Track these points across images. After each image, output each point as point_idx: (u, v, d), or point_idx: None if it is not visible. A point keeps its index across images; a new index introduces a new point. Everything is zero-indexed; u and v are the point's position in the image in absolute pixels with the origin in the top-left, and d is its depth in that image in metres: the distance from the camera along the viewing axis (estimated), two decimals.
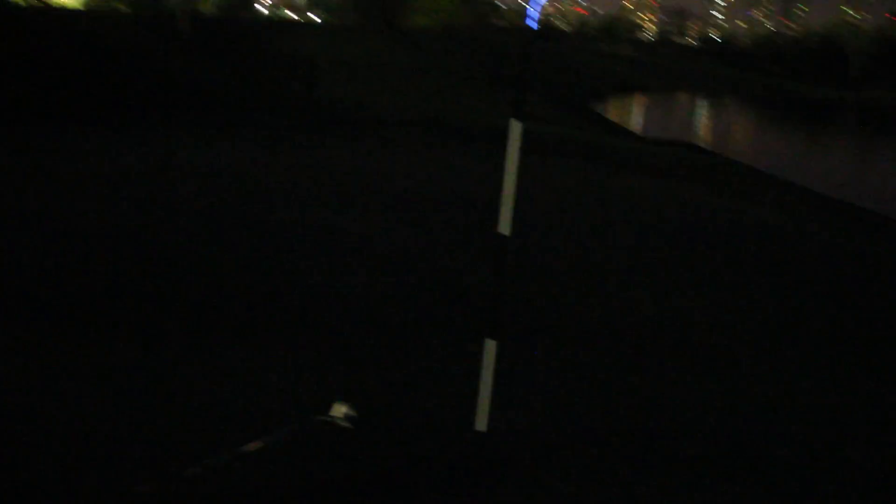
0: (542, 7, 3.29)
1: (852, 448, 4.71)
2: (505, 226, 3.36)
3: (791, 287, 8.51)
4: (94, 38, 14.31)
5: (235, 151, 11.98)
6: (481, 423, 3.51)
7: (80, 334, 5.13)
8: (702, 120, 46.36)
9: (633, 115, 45.19)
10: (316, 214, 8.65)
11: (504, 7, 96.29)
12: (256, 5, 64.94)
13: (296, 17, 78.31)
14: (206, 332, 5.31)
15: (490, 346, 3.48)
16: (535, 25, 3.28)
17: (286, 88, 18.77)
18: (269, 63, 19.15)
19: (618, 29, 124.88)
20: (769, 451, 4.55)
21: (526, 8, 3.28)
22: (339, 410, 4.53)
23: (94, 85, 13.73)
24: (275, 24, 51.51)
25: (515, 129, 3.23)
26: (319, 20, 71.92)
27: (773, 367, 5.90)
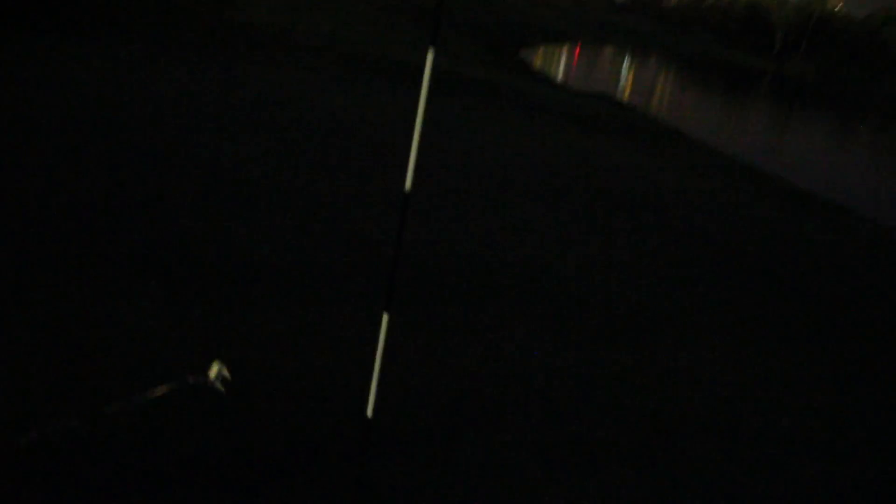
0: None
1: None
2: (408, 182, 2.94)
3: (680, 240, 8.35)
4: None
5: (135, 72, 11.08)
6: (369, 409, 3.13)
7: None
8: (626, 75, 46.46)
9: (559, 64, 44.91)
10: (215, 147, 7.99)
11: None
12: None
13: None
14: (82, 273, 4.71)
15: (383, 323, 3.06)
16: None
17: (198, 8, 17.61)
18: None
19: None
20: (687, 432, 4.30)
21: None
22: (215, 371, 4.06)
23: None
24: None
25: (430, 57, 2.86)
26: None
27: (688, 336, 5.67)
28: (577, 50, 58.20)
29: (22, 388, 3.59)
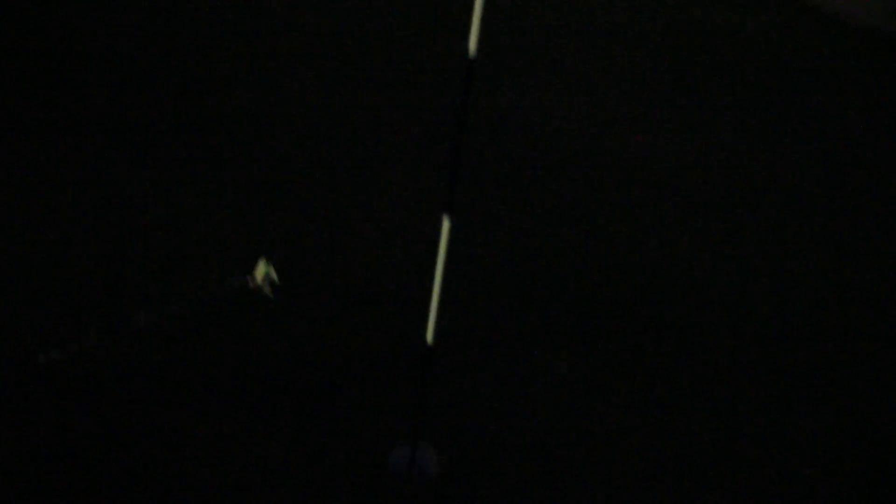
0: None
1: None
2: (472, 45, 2.34)
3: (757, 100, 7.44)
4: None
5: None
6: (429, 334, 2.66)
7: None
8: None
9: None
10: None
11: None
12: None
13: None
14: (94, 149, 4.23)
15: (444, 230, 2.53)
16: None
17: None
18: None
19: None
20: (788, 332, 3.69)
21: None
22: (261, 273, 3.62)
23: None
24: None
25: None
26: None
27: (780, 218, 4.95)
28: None
29: (40, 298, 3.22)
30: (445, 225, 2.55)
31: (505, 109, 5.86)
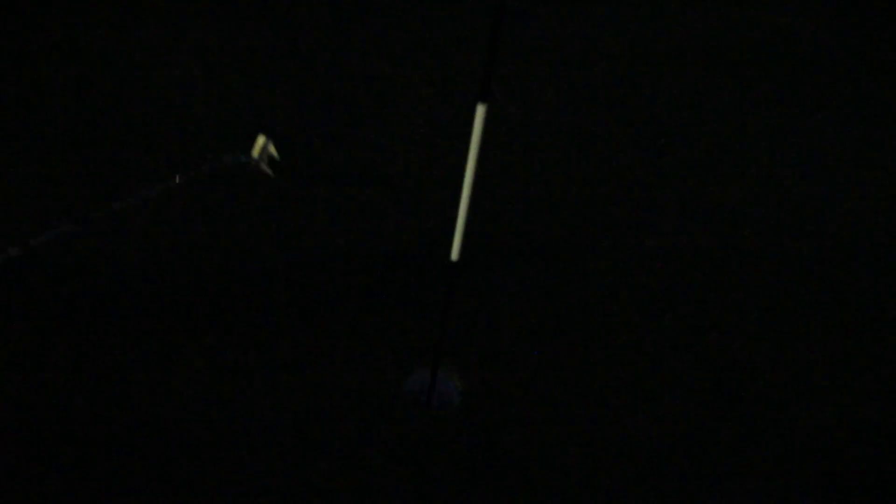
0: None
1: None
2: None
3: None
4: None
5: None
6: (455, 251, 2.20)
7: None
8: None
9: None
10: None
11: None
12: None
13: None
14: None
15: (478, 120, 2.01)
16: None
17: None
18: None
19: None
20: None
21: None
22: (261, 147, 3.16)
23: None
24: None
25: None
26: None
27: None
28: None
29: (11, 181, 2.77)
30: (480, 113, 2.04)
31: None
